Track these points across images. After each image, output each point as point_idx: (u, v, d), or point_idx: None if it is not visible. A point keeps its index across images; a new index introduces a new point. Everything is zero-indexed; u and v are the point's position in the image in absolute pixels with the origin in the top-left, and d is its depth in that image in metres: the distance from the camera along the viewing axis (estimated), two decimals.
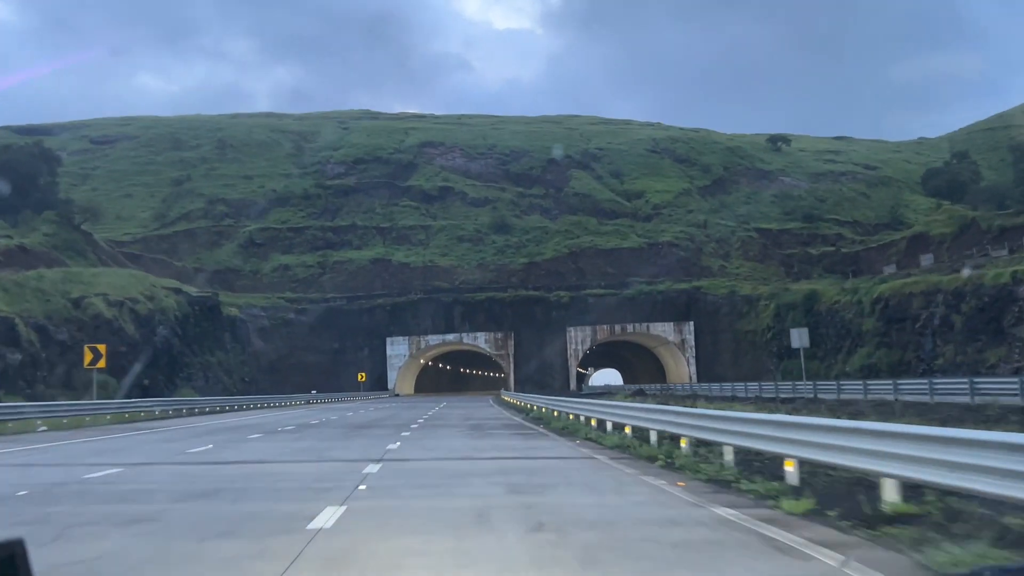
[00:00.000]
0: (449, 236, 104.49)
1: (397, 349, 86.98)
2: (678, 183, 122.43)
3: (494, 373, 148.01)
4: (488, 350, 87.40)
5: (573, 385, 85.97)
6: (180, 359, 56.14)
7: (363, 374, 77.85)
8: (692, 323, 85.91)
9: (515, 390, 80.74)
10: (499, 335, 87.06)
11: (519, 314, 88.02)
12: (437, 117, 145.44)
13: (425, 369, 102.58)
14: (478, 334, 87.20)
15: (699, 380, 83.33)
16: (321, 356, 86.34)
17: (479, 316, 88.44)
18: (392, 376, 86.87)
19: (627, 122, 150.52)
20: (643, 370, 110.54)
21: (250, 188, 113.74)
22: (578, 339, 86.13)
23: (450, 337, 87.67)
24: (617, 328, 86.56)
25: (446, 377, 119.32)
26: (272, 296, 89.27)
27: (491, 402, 58.91)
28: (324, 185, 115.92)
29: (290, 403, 61.75)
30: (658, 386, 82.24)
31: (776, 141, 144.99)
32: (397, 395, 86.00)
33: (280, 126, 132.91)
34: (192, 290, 66.16)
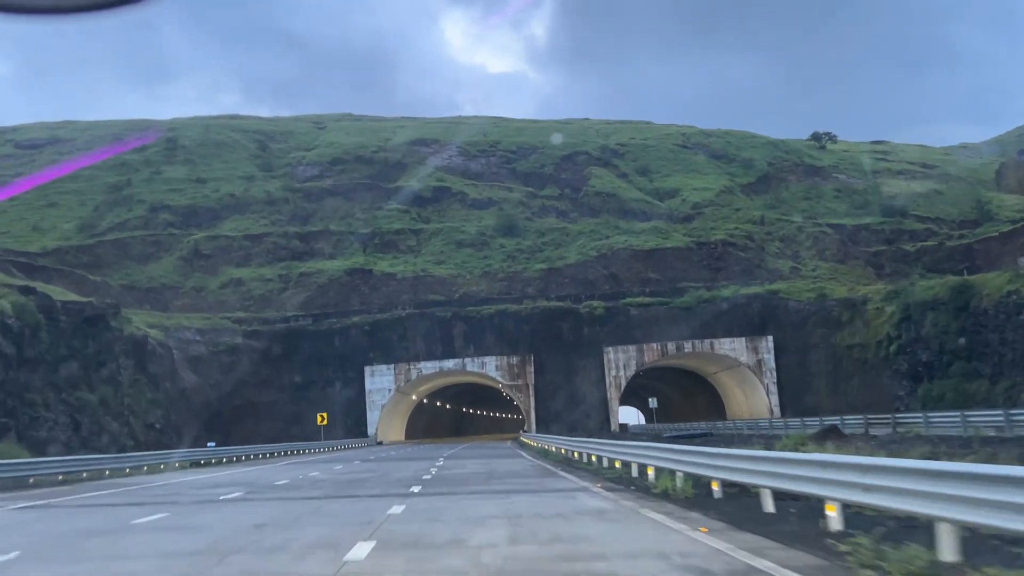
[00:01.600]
0: (446, 241, 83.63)
1: (379, 381, 65.48)
2: (717, 180, 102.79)
3: (508, 414, 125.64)
4: (500, 379, 65.91)
5: (615, 425, 64.33)
6: (14, 393, 34.73)
7: (323, 415, 56.05)
8: (771, 338, 64.63)
9: (535, 431, 59.80)
10: (514, 359, 65.71)
11: (539, 332, 66.77)
12: (429, 119, 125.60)
13: (419, 408, 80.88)
14: (486, 359, 65.83)
15: (783, 413, 62.06)
16: (278, 393, 64.77)
17: (487, 336, 67.12)
18: (373, 417, 65.26)
19: (647, 122, 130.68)
20: (686, 405, 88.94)
21: (202, 193, 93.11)
22: (619, 363, 64.79)
23: (449, 364, 66.23)
24: (671, 347, 65.23)
25: (445, 419, 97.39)
26: (214, 316, 67.93)
27: (521, 454, 37.92)
28: (293, 188, 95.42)
29: (221, 459, 40.41)
30: (721, 423, 60.91)
31: (820, 138, 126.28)
32: (380, 443, 64.35)
33: (243, 126, 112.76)
34: (57, 291, 44.97)
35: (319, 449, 52.51)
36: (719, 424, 61.67)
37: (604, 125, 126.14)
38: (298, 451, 49.68)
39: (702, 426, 59.50)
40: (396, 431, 72.80)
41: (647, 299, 67.81)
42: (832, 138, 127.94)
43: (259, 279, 77.02)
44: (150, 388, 50.42)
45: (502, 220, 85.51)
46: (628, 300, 67.69)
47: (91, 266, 74.62)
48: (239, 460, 41.99)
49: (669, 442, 20.85)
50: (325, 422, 54.33)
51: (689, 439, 35.05)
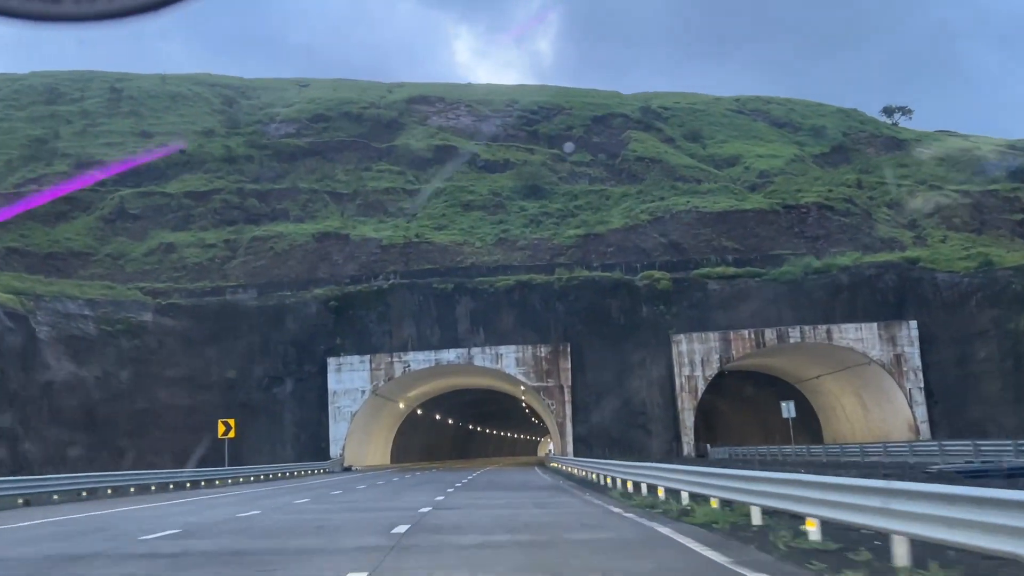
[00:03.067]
0: (449, 202, 64.13)
1: (349, 379, 45.64)
2: (785, 148, 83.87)
3: (525, 434, 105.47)
4: (522, 378, 45.86)
5: (688, 447, 44.27)
6: None
7: (228, 422, 35.10)
8: (913, 323, 44.64)
9: (573, 453, 40.77)
10: (542, 350, 45.78)
11: (578, 312, 46.96)
12: (433, 83, 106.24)
13: (411, 422, 60.82)
14: (502, 349, 45.93)
15: (934, 433, 42.41)
16: (201, 394, 44.89)
17: (503, 317, 47.36)
18: (339, 432, 45.33)
19: (692, 93, 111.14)
20: (747, 422, 68.81)
21: (144, 148, 73.83)
22: (695, 356, 44.87)
23: (450, 356, 46.30)
24: (769, 335, 45.29)
25: (447, 436, 77.26)
26: (118, 286, 48.33)
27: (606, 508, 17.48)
28: (260, 145, 76.13)
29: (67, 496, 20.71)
30: (820, 448, 41.10)
31: (892, 113, 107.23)
32: (350, 468, 44.59)
33: (208, 80, 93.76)
34: None
35: (237, 478, 32.57)
36: (814, 448, 41.93)
37: (639, 94, 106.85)
38: (192, 483, 29.84)
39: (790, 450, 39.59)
40: (375, 451, 52.73)
41: (732, 269, 47.91)
42: (907, 112, 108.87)
43: (197, 244, 57.51)
44: None
45: (523, 179, 66.08)
46: (704, 270, 47.82)
47: None
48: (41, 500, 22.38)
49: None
50: (232, 434, 33.97)
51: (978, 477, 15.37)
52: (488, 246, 56.97)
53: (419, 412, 60.33)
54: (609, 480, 21.83)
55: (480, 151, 77.24)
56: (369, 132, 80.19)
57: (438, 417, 67.93)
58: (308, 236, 57.83)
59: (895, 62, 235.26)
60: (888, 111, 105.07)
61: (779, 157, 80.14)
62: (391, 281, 47.94)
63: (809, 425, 57.78)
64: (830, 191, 63.45)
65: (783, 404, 33.82)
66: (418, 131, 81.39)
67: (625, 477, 18.57)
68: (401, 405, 54.21)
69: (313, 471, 40.40)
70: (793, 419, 64.21)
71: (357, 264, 54.14)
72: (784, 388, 58.96)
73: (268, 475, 34.82)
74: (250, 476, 32.61)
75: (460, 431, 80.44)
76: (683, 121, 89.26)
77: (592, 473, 24.68)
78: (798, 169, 77.64)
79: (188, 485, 30.05)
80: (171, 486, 28.97)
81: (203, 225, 61.02)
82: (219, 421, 33.67)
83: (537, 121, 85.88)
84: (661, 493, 16.64)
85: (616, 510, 13.73)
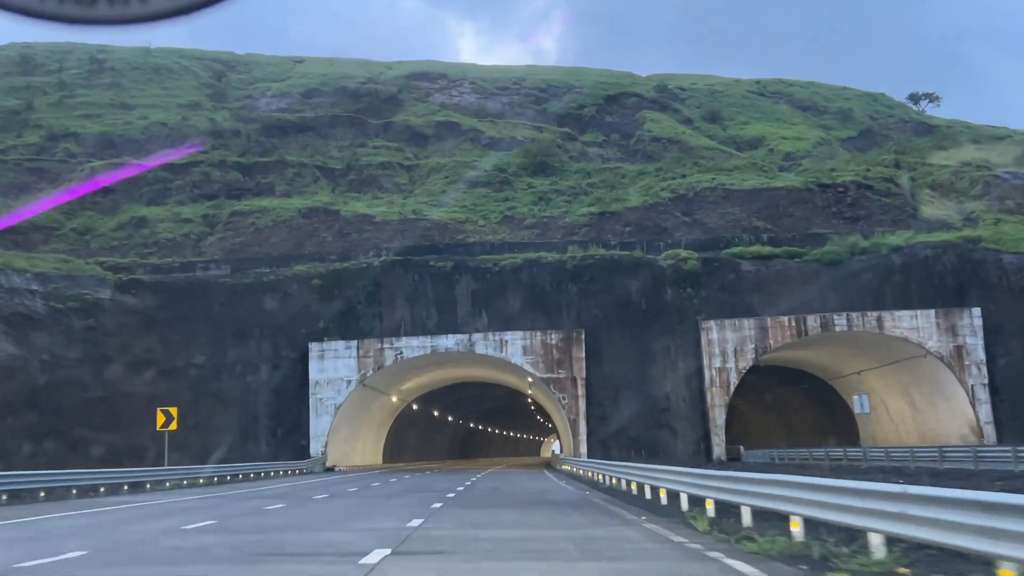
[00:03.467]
0: (450, 179, 58.73)
1: (333, 367, 40.21)
2: (810, 131, 78.84)
3: (530, 434, 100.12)
4: (530, 369, 40.36)
5: (718, 448, 38.78)
6: None
7: (170, 411, 29.12)
8: (977, 311, 39.13)
9: (587, 454, 35.55)
10: (553, 337, 40.30)
11: (594, 295, 41.49)
12: (434, 60, 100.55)
13: (406, 418, 55.33)
14: (508, 335, 40.46)
15: (1000, 436, 37.08)
16: (166, 381, 39.46)
17: (509, 299, 41.91)
18: (321, 426, 39.88)
19: (709, 75, 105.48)
20: (769, 422, 63.63)
21: (123, 120, 68.66)
22: (727, 346, 39.39)
23: (448, 342, 40.82)
24: (812, 322, 39.78)
25: (445, 434, 71.84)
26: (77, 262, 42.92)
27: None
28: (248, 119, 70.81)
29: None
30: (858, 451, 35.65)
31: (918, 100, 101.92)
32: (333, 469, 39.24)
33: (196, 54, 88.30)
34: None
35: (182, 481, 27.10)
36: (848, 451, 36.49)
37: (654, 76, 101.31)
38: (132, 485, 24.45)
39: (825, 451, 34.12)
40: (364, 450, 47.27)
41: (768, 248, 42.40)
42: (934, 99, 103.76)
43: (172, 219, 52.14)
44: None
45: (531, 155, 60.68)
46: (737, 249, 42.31)
47: None
48: None
49: None
50: (174, 425, 28.22)
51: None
52: (492, 224, 51.55)
53: (415, 408, 54.85)
54: (647, 489, 16.45)
55: (485, 128, 71.90)
56: (366, 108, 74.86)
57: (436, 414, 62.48)
58: (294, 211, 52.43)
59: (903, 61, 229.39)
60: (914, 98, 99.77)
61: (805, 139, 75.04)
62: (383, 258, 42.45)
63: (841, 426, 52.35)
64: (868, 170, 57.99)
65: (855, 398, 28.23)
66: (419, 108, 76.06)
67: (688, 490, 13.15)
68: (394, 399, 48.73)
69: (287, 472, 34.97)
70: (822, 419, 58.60)
71: (347, 242, 48.72)
72: (816, 385, 53.53)
73: (229, 476, 29.36)
74: (199, 478, 27.10)
75: (460, 429, 75.02)
76: (701, 102, 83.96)
77: (622, 479, 19.25)
78: (826, 152, 72.43)
79: (126, 488, 24.68)
80: (102, 489, 23.59)
81: (180, 199, 55.69)
82: (159, 410, 28.02)
83: (546, 100, 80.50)
84: (745, 514, 11.27)
85: (714, 553, 8.25)
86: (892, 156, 62.75)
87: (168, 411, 27.61)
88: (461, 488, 21.60)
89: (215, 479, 28.05)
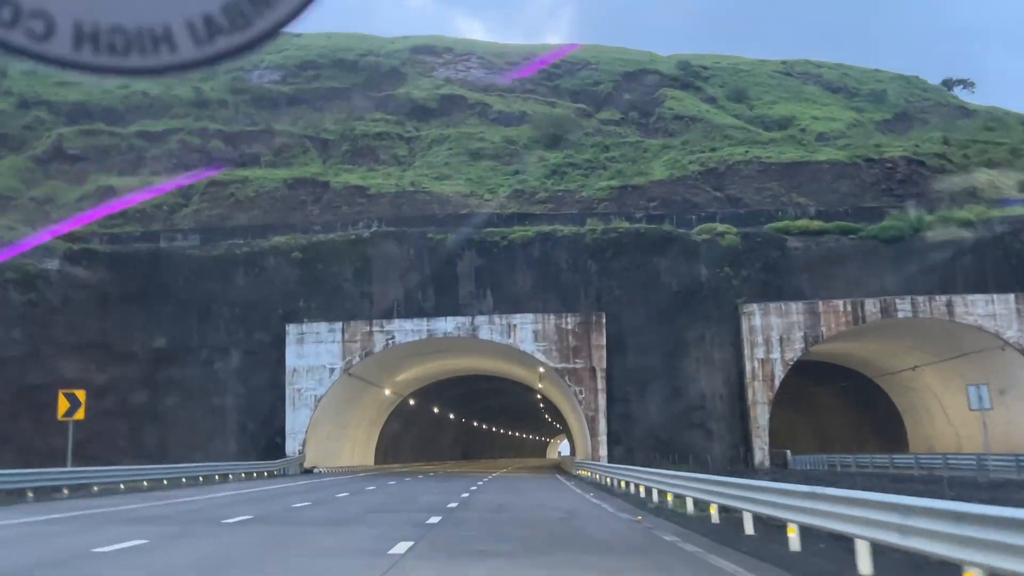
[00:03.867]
0: (454, 150, 53.27)
1: (314, 353, 34.76)
2: (842, 112, 73.11)
3: (540, 435, 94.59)
4: (541, 358, 34.76)
5: (761, 454, 33.15)
6: None
7: (76, 395, 23.48)
8: None
9: (607, 457, 29.92)
10: (570, 321, 34.72)
11: (616, 273, 35.91)
12: (442, 36, 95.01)
13: (402, 415, 49.78)
14: (517, 319, 34.88)
15: None
16: (120, 367, 34.01)
17: (518, 277, 36.39)
18: (299, 420, 34.40)
19: (728, 55, 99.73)
20: (800, 425, 57.83)
21: (101, 89, 63.18)
22: (773, 333, 33.83)
23: (447, 326, 35.28)
24: (870, 307, 34.13)
25: (446, 434, 66.29)
26: (23, 229, 37.59)
27: None
28: (238, 90, 65.43)
29: None
30: (910, 458, 30.16)
31: (951, 85, 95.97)
32: (312, 470, 33.77)
33: None
34: None
35: (165, 477, 21.62)
36: (895, 459, 30.93)
37: (674, 55, 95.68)
38: (36, 490, 19.03)
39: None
40: (353, 449, 41.75)
41: (817, 223, 36.77)
42: (968, 85, 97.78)
43: (143, 189, 46.67)
44: None
45: (544, 127, 55.18)
46: (782, 223, 36.69)
47: None
48: None
49: None
50: (80, 414, 22.16)
51: None
52: (500, 199, 46.01)
53: (411, 403, 49.32)
54: (748, 520, 10.55)
55: (493, 102, 66.40)
56: (365, 82, 69.40)
57: (436, 411, 56.99)
58: (278, 182, 47.00)
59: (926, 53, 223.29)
60: (948, 84, 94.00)
61: (838, 120, 69.33)
62: (372, 230, 36.92)
63: (887, 429, 46.73)
64: (916, 146, 52.36)
65: (971, 389, 22.44)
66: (422, 82, 70.61)
67: (869, 533, 7.66)
68: (387, 392, 43.20)
69: (253, 474, 29.46)
70: (860, 422, 52.93)
71: (335, 215, 43.24)
72: (859, 382, 47.84)
73: (166, 480, 23.82)
74: (119, 483, 21.60)
75: (461, 428, 69.50)
76: (725, 81, 78.25)
77: (687, 497, 13.65)
78: (860, 134, 66.81)
79: (31, 494, 19.22)
80: None
81: (155, 170, 50.36)
82: (60, 393, 22.37)
83: (559, 76, 74.94)
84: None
85: None
86: (940, 134, 57.15)
87: (73, 394, 22.07)
88: (453, 504, 15.95)
89: (144, 483, 22.55)
